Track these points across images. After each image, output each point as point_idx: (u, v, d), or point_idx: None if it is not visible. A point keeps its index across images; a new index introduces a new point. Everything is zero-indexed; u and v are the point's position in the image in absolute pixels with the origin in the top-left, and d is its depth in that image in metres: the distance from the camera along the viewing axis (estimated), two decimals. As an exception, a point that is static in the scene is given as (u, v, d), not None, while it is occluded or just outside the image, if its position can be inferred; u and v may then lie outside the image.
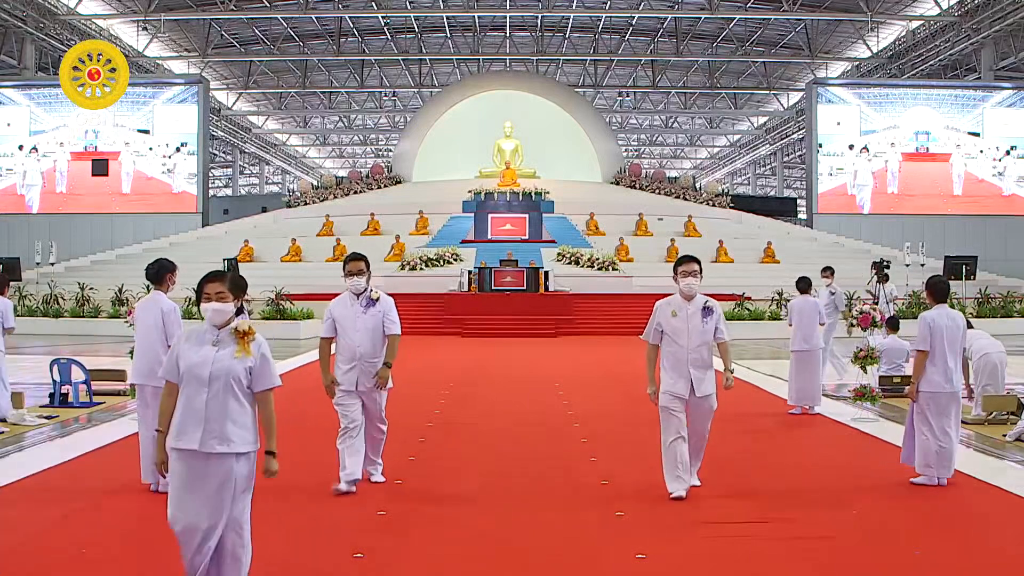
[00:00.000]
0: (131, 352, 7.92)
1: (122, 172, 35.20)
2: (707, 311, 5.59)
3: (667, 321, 5.63)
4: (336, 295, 6.05)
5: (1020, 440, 7.42)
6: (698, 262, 5.67)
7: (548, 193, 31.98)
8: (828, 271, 11.40)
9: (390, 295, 5.99)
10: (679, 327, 5.57)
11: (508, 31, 41.01)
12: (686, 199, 35.94)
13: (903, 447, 6.26)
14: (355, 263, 5.74)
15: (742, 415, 8.98)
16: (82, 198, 34.73)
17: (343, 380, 5.71)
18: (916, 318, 6.19)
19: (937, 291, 6.26)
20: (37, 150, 35.05)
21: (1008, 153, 35.42)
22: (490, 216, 28.75)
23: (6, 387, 8.16)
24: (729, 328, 5.88)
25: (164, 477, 3.67)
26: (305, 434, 7.48)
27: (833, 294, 11.13)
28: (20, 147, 35.02)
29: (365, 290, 5.75)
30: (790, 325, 9.40)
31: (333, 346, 5.88)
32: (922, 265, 23.22)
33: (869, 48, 38.08)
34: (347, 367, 5.71)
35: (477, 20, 38.90)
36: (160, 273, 6.05)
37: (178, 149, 35.13)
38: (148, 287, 6.24)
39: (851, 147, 35.63)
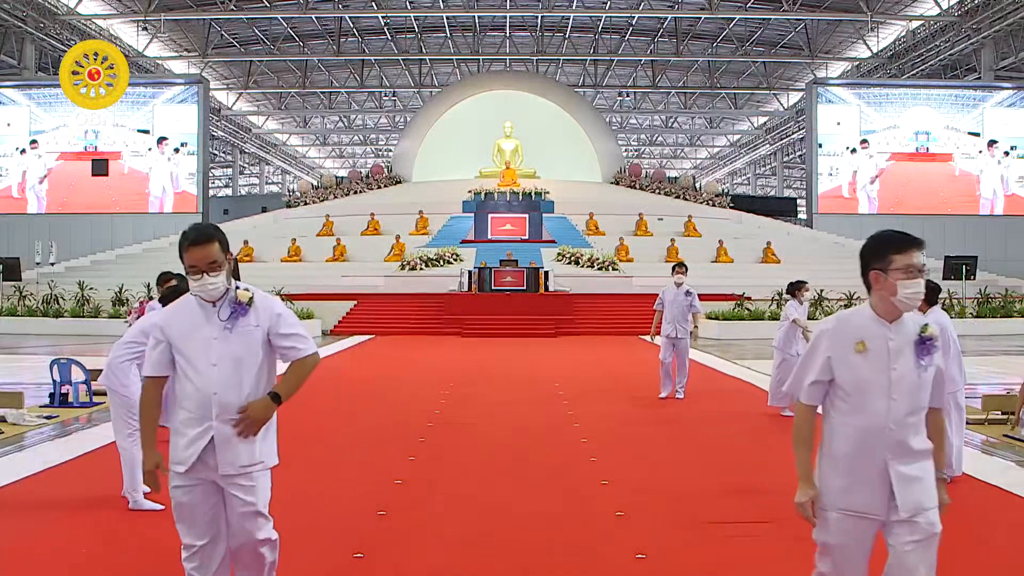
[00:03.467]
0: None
1: (153, 186, 34.90)
2: (926, 344, 2.81)
3: (847, 363, 2.81)
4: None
5: (1019, 440, 7.42)
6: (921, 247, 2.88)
7: (548, 193, 32.04)
8: (680, 267, 10.19)
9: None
10: (873, 377, 2.78)
11: (508, 31, 41.03)
12: (686, 199, 36.00)
13: None
14: (199, 249, 3.19)
15: (742, 415, 8.99)
16: (81, 200, 34.72)
17: (182, 458, 3.07)
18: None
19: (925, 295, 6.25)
20: None
21: (1007, 154, 35.44)
22: (490, 216, 28.79)
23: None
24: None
25: None
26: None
27: (689, 294, 10.05)
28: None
29: (226, 292, 3.23)
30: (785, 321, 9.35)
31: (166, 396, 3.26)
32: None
33: (869, 48, 38.12)
34: (193, 432, 3.07)
35: (477, 20, 38.93)
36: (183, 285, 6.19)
37: (176, 150, 35.14)
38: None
39: (848, 149, 35.68)
